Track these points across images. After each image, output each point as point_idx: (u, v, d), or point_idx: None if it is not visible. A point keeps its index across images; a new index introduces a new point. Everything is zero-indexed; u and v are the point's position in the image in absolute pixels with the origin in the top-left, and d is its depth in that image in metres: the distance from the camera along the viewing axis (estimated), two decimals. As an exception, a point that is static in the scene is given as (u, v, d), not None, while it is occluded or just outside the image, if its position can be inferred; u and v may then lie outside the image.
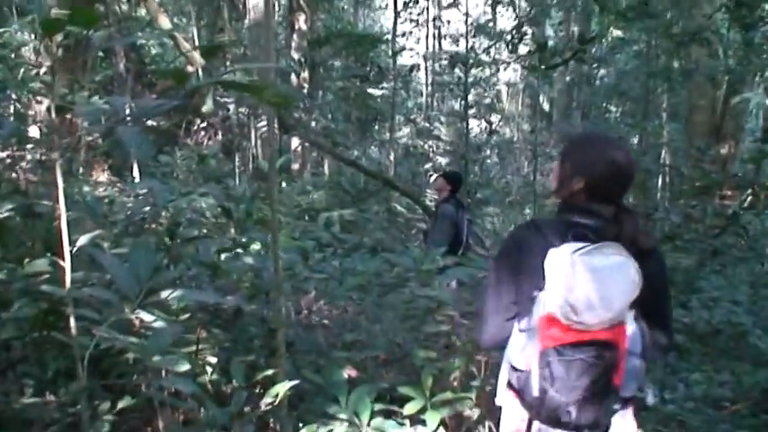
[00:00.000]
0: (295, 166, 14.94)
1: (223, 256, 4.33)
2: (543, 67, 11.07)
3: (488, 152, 16.95)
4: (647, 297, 2.26)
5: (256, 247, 4.44)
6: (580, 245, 2.24)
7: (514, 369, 2.39)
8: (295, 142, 14.62)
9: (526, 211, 18.85)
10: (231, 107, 12.62)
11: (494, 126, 19.59)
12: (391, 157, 16.14)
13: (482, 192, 15.01)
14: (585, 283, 2.17)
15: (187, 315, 3.71)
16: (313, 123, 14.20)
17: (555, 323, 2.22)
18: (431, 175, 15.38)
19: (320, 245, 5.19)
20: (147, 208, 3.71)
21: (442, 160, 17.66)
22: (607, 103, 23.66)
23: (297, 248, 4.76)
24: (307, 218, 9.52)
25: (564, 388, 2.24)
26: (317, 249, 5.04)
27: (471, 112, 16.68)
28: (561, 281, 2.20)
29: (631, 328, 2.28)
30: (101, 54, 13.02)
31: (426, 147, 17.76)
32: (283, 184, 11.18)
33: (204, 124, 13.17)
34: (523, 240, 2.41)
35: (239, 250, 4.56)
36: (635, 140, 21.03)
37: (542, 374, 2.26)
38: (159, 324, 2.81)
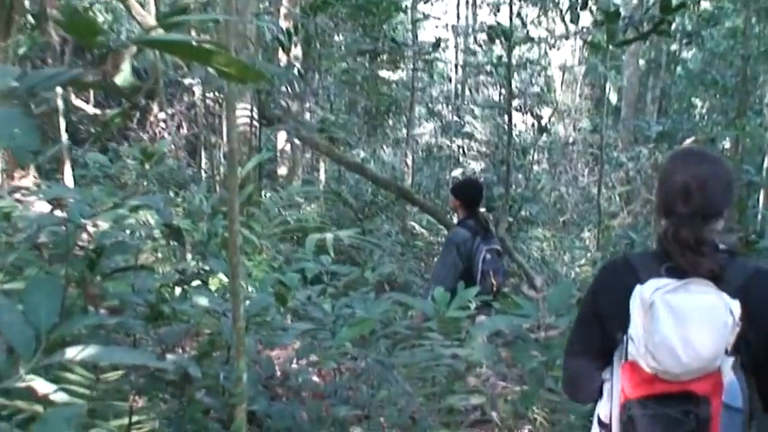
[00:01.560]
0: (281, 170, 14.77)
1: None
2: (612, 44, 10.75)
3: (536, 156, 16.66)
4: (756, 344, 2.40)
5: (224, 279, 4.24)
6: (667, 281, 2.42)
7: (600, 424, 2.61)
8: (282, 139, 14.42)
9: (584, 234, 18.63)
10: (197, 91, 12.39)
11: (543, 122, 19.32)
12: (409, 161, 15.91)
13: (528, 208, 14.75)
14: (665, 325, 2.34)
15: (119, 373, 3.54)
16: (307, 115, 13.97)
17: (637, 371, 2.42)
18: (469, 181, 15.17)
19: (307, 279, 4.92)
20: (59, 226, 3.39)
21: (476, 165, 17.47)
22: (691, 95, 23.43)
23: (275, 284, 4.55)
24: (294, 239, 9.27)
25: None
26: (303, 285, 4.82)
27: (515, 103, 16.43)
28: (639, 323, 2.40)
29: (728, 377, 2.37)
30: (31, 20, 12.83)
31: (455, 147, 17.51)
32: (264, 195, 10.96)
33: (163, 115, 13.00)
34: (610, 276, 2.65)
35: (197, 284, 4.37)
36: (726, 144, 20.80)
37: (623, 430, 2.45)
38: (60, 396, 2.54)
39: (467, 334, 4.34)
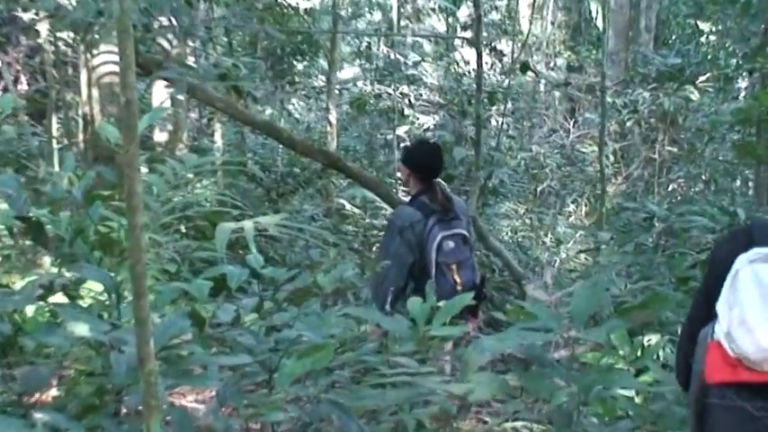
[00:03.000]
0: (161, 136, 14.41)
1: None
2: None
3: (503, 107, 16.49)
4: None
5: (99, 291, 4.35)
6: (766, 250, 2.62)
7: None
8: (160, 93, 14.03)
9: (569, 208, 18.63)
10: (43, 30, 11.94)
11: (508, 60, 19.24)
12: (332, 117, 15.59)
13: (498, 175, 14.63)
14: (747, 299, 2.52)
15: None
16: (191, 60, 13.60)
17: (721, 353, 2.60)
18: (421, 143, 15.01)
19: (220, 287, 4.61)
20: None
21: (427, 120, 17.21)
22: (696, 20, 23.50)
23: (177, 297, 4.27)
24: (184, 230, 8.92)
25: None
26: (226, 297, 4.66)
27: (465, 35, 16.29)
28: (724, 295, 2.63)
29: None
30: None
31: (397, 97, 17.24)
32: (142, 170, 10.58)
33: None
34: (725, 246, 2.87)
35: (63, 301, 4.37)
36: (742, 84, 20.95)
37: (697, 422, 2.71)
38: None
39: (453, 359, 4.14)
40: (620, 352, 5.37)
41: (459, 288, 6.37)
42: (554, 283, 10.13)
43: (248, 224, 5.70)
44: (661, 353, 6.34)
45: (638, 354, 5.34)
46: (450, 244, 6.54)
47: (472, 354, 3.99)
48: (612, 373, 3.92)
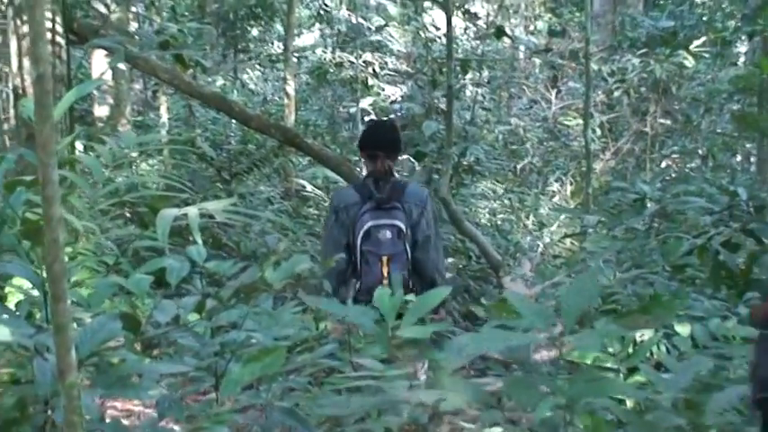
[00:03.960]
0: (100, 111, 14.31)
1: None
2: None
3: (478, 75, 16.44)
4: None
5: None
6: None
7: None
8: (100, 63, 13.93)
9: (552, 187, 18.60)
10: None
11: (483, 23, 19.13)
12: (289, 88, 15.50)
13: (473, 151, 14.56)
14: None
15: None
16: (134, 25, 13.47)
17: None
18: (370, 121, 14.88)
19: (167, 285, 4.51)
20: None
21: (393, 91, 17.14)
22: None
23: (112, 294, 4.15)
24: (129, 215, 8.79)
25: None
26: (163, 293, 4.65)
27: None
28: None
29: None
30: None
31: (360, 65, 17.16)
32: (78, 147, 10.47)
33: None
34: None
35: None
36: (741, 48, 20.97)
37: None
38: None
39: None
40: (610, 349, 5.31)
41: (385, 282, 6.54)
42: (535, 272, 10.07)
43: (192, 210, 5.54)
44: (655, 350, 6.31)
45: (630, 351, 5.28)
46: (387, 234, 6.70)
47: (444, 355, 3.91)
48: (603, 383, 3.80)
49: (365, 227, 6.72)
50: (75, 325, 3.59)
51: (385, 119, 8.59)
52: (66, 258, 6.09)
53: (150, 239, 6.32)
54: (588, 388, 3.57)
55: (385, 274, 6.66)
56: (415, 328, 3.98)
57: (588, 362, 5.21)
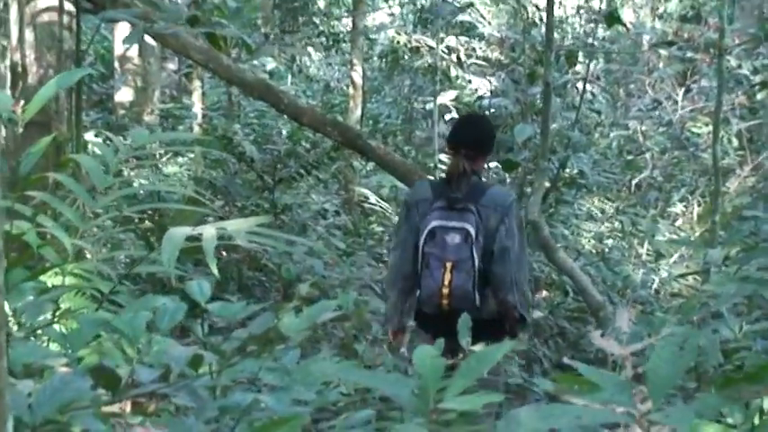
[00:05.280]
0: (123, 96, 14.36)
1: None
2: None
3: (590, 67, 16.25)
4: None
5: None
6: None
7: None
8: (123, 38, 13.97)
9: (674, 208, 18.39)
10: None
11: (597, 3, 18.98)
12: (356, 76, 15.45)
13: (577, 162, 14.41)
14: None
15: None
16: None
17: None
18: (450, 119, 14.82)
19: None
20: None
21: (482, 84, 17.02)
22: None
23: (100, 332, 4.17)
24: (147, 230, 8.77)
25: None
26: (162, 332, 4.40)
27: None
28: None
29: None
30: None
31: (442, 51, 17.04)
32: (90, 140, 10.46)
33: None
34: None
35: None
36: None
37: None
38: None
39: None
40: (729, 420, 5.15)
41: (444, 291, 6.81)
42: (636, 320, 9.86)
43: (209, 231, 5.45)
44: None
45: (755, 422, 5.12)
46: (455, 238, 6.89)
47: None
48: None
49: (430, 226, 6.96)
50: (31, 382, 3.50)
51: (479, 113, 8.81)
52: (53, 282, 6.07)
53: (158, 263, 6.28)
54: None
55: (446, 282, 6.83)
56: (462, 399, 3.84)
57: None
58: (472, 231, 6.89)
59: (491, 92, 16.89)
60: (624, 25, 17.62)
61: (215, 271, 4.97)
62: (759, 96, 18.32)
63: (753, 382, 3.87)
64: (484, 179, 7.70)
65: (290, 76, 18.47)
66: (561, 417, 3.54)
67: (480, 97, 16.73)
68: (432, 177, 8.13)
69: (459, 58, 17.71)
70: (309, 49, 20.24)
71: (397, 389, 3.95)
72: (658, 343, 3.97)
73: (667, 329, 8.34)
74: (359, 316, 5.32)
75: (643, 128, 19.43)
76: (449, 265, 6.83)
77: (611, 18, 13.96)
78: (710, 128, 17.05)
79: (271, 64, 17.33)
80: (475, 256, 6.92)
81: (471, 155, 7.18)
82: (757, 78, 17.93)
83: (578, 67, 16.42)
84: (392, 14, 20.17)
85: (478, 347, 4.64)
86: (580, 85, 17.01)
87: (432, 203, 7.03)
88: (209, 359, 3.90)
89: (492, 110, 14.77)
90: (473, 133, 7.35)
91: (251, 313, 4.24)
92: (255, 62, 15.65)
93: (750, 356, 7.57)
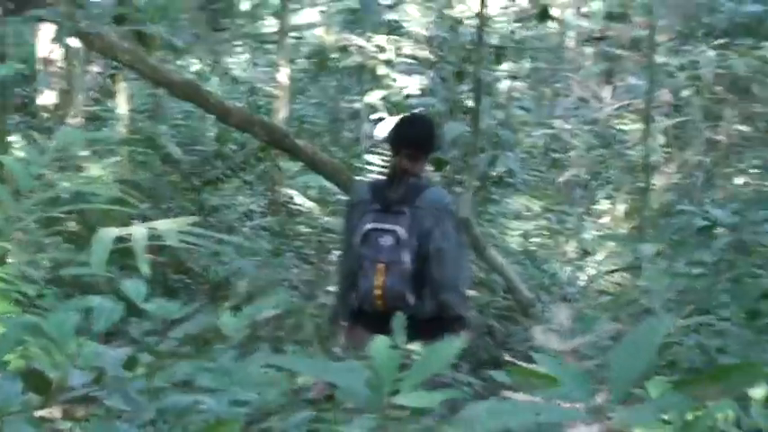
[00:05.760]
0: (45, 99, 14.28)
1: None
2: None
3: (515, 66, 16.31)
4: None
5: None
6: None
7: None
8: (47, 39, 13.87)
9: (600, 205, 18.46)
10: None
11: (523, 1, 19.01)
12: (282, 76, 15.40)
13: (505, 160, 14.42)
14: None
15: None
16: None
17: None
18: (379, 119, 14.82)
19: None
20: None
21: (410, 84, 16.96)
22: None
23: (26, 337, 4.25)
24: (71, 233, 8.69)
25: None
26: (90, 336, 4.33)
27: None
28: None
29: None
30: None
31: (370, 50, 17.00)
32: (14, 141, 10.37)
33: None
34: None
35: None
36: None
37: None
38: None
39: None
40: (664, 416, 5.13)
41: (377, 292, 6.90)
42: (574, 318, 9.85)
43: (139, 231, 5.42)
44: (720, 416, 6.09)
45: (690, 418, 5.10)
46: (387, 240, 6.95)
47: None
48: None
49: (364, 228, 7.04)
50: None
51: (422, 114, 8.99)
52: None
53: (86, 265, 6.22)
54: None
55: (379, 284, 6.91)
56: (418, 395, 3.77)
57: (636, 435, 5.03)
58: (403, 233, 6.96)
59: (420, 90, 16.90)
60: (555, 20, 17.72)
61: (146, 271, 4.94)
62: (685, 93, 18.43)
63: (713, 383, 3.82)
64: (425, 179, 7.72)
65: (214, 78, 18.38)
66: (516, 413, 3.50)
67: (408, 96, 16.74)
68: (366, 178, 8.15)
69: (388, 57, 17.73)
70: (235, 50, 20.24)
71: (350, 380, 3.89)
72: (620, 343, 3.94)
73: (603, 326, 8.39)
74: (301, 315, 5.33)
75: (568, 126, 19.52)
76: (381, 266, 6.91)
77: (542, 14, 14.04)
78: (638, 125, 17.18)
79: (196, 65, 17.34)
80: (407, 257, 6.98)
81: (412, 155, 7.23)
82: (683, 75, 18.03)
83: (505, 66, 16.50)
84: (323, 11, 20.10)
85: (415, 346, 4.63)
86: (508, 82, 17.12)
87: (369, 205, 7.12)
88: (145, 360, 3.87)
89: (421, 108, 14.78)
90: (414, 133, 7.41)
91: (185, 314, 4.21)
92: (181, 62, 15.62)
93: (683, 351, 7.60)
